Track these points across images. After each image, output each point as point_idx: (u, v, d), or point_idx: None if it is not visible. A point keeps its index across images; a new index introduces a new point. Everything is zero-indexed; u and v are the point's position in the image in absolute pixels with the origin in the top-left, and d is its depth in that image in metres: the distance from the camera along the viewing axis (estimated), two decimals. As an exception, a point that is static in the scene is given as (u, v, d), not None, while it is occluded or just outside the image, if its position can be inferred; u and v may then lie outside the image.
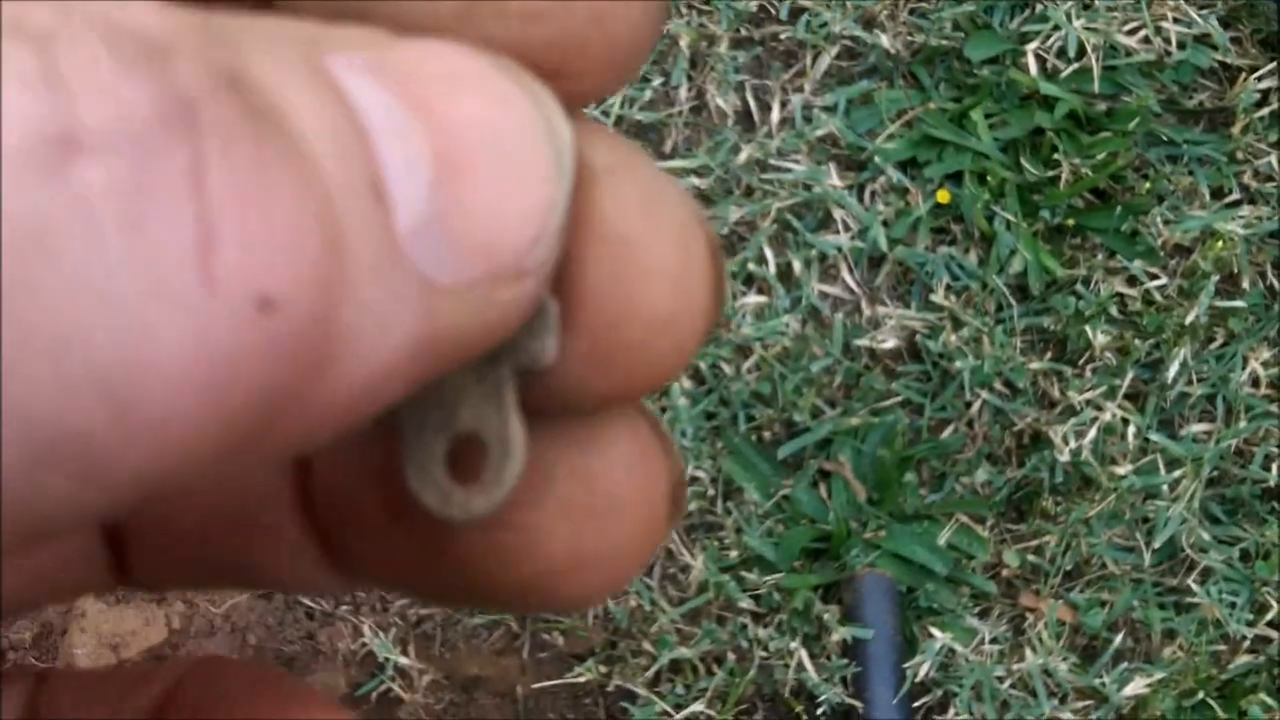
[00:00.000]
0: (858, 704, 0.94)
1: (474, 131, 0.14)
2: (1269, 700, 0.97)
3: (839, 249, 1.00)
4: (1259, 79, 1.03)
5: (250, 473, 0.16)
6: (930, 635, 0.96)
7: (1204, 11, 1.04)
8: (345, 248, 0.12)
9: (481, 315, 0.14)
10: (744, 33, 1.03)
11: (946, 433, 1.00)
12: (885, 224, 1.00)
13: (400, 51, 0.14)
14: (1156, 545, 0.99)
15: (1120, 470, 0.99)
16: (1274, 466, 1.01)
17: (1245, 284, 1.02)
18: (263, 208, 0.12)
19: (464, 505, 0.16)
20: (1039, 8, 1.03)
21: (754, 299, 0.99)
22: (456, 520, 0.16)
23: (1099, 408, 1.00)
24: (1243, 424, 1.01)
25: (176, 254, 0.11)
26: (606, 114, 0.99)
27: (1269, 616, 0.99)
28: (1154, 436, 1.00)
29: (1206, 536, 0.99)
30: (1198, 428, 1.01)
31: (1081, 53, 1.02)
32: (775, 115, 1.02)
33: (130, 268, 0.11)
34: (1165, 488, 1.00)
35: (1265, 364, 1.01)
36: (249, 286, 0.12)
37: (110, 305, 0.11)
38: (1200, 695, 0.97)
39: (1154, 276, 1.02)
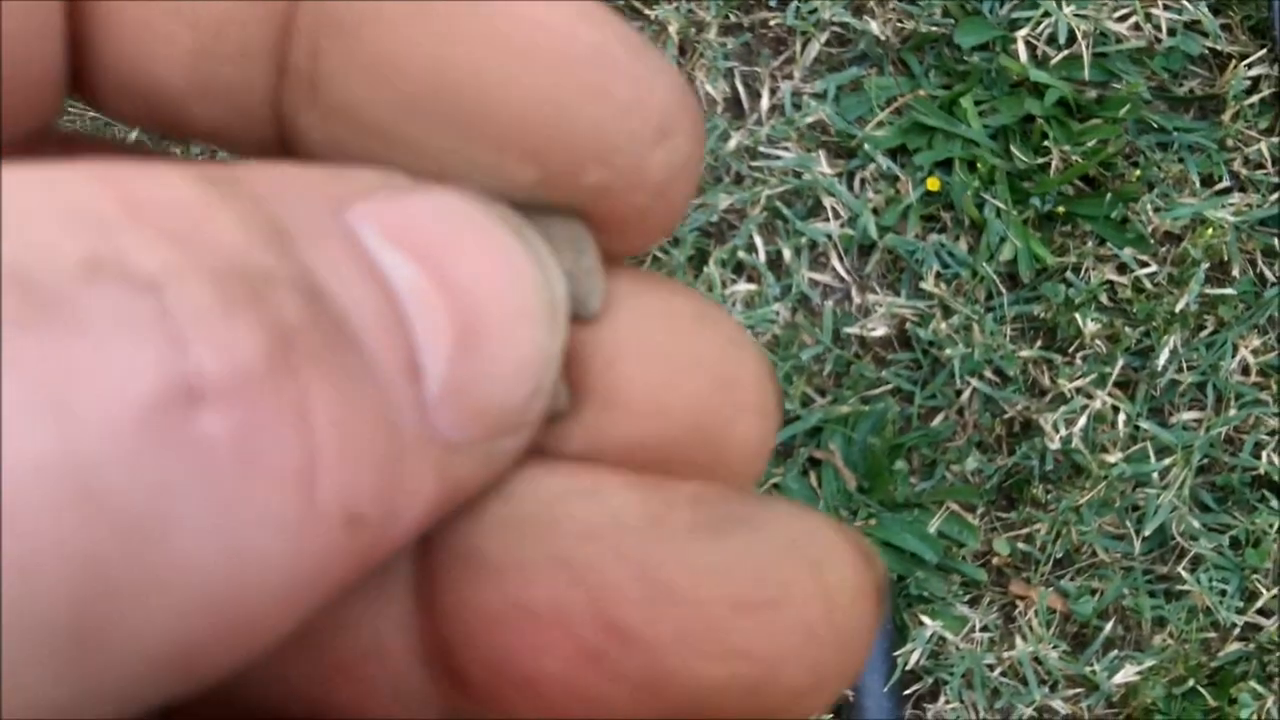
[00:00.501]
0: (848, 692, 0.93)
1: (483, 296, 0.14)
2: (1259, 688, 0.97)
3: (829, 237, 1.00)
4: (1249, 66, 1.03)
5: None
6: (921, 623, 0.96)
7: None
8: (403, 447, 0.13)
9: (485, 467, 0.15)
10: (733, 19, 1.02)
11: (937, 421, 0.99)
12: (875, 212, 1.00)
13: (415, 204, 0.15)
14: (1147, 533, 0.99)
15: (1110, 458, 0.99)
16: (1264, 454, 1.01)
17: (1235, 272, 1.02)
18: (353, 432, 0.12)
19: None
20: (1029, -6, 1.02)
21: (744, 287, 0.99)
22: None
23: (1089, 396, 0.99)
24: (1233, 412, 1.01)
25: (283, 487, 0.12)
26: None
27: (1259, 604, 0.99)
28: (1144, 424, 1.00)
29: (1197, 524, 0.99)
30: (1188, 415, 1.01)
31: (1072, 40, 1.02)
32: (765, 102, 1.02)
33: (244, 504, 0.12)
34: (1155, 476, 0.99)
35: (1255, 351, 1.01)
36: (343, 507, 0.12)
37: (225, 539, 0.12)
38: (1190, 683, 0.97)
39: (1144, 264, 1.01)
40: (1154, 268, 1.01)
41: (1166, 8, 1.03)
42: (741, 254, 0.99)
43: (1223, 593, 0.99)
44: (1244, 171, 1.03)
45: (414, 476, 0.13)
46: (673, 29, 1.01)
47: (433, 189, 0.15)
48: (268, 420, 0.12)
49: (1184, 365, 1.01)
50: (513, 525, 0.16)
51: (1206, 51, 1.04)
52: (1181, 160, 1.03)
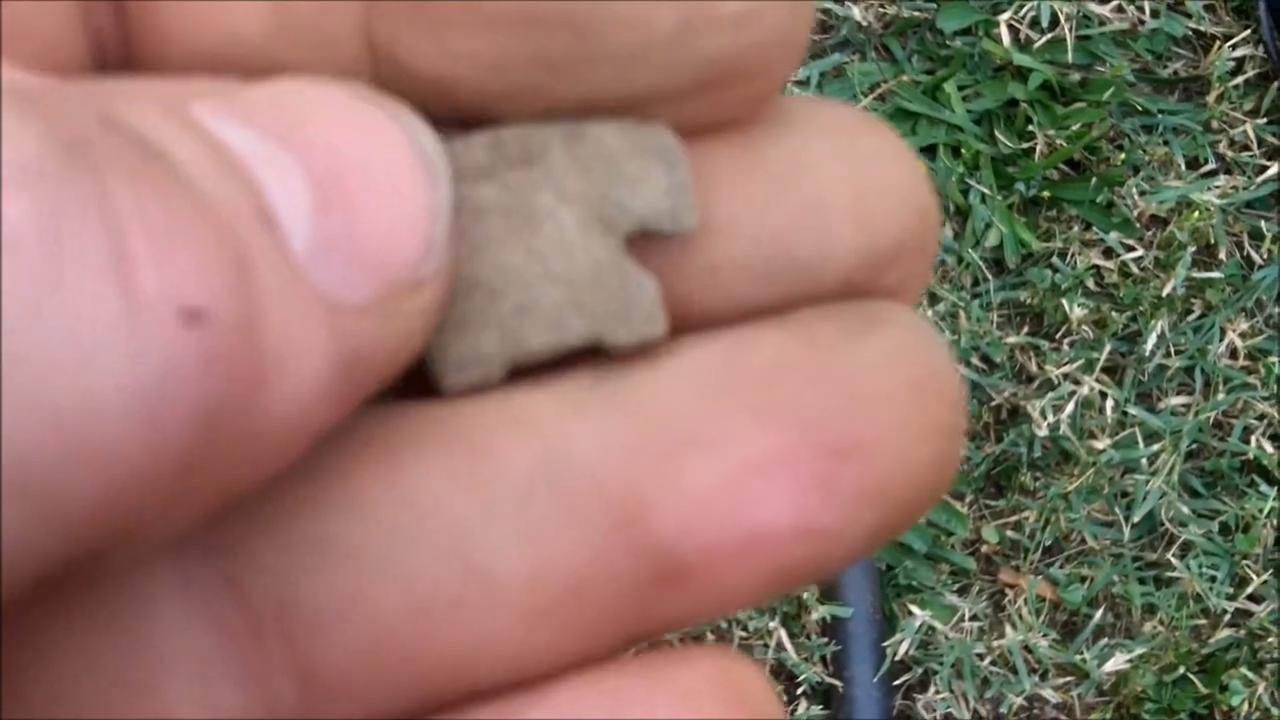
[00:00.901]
0: (838, 683, 0.93)
1: (342, 155, 0.14)
2: (1249, 674, 0.97)
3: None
4: (1233, 47, 1.02)
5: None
6: (910, 613, 0.95)
7: (1178, -20, 1.03)
8: (252, 267, 0.13)
9: (390, 329, 0.15)
10: (714, 6, 1.02)
11: (923, 409, 0.99)
12: (859, 198, 0.99)
13: (257, 93, 0.15)
14: (1136, 520, 0.98)
15: (1099, 445, 0.98)
16: (1253, 439, 1.00)
17: (1222, 255, 1.01)
18: (171, 229, 0.12)
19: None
20: (1012, -22, 1.02)
21: (727, 275, 0.98)
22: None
23: (1077, 382, 0.99)
24: (1221, 396, 1.00)
25: (96, 275, 0.12)
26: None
27: (1249, 590, 0.98)
28: (1132, 410, 0.99)
29: (1186, 510, 0.99)
30: (1176, 401, 1.00)
31: (1055, 23, 1.01)
32: (746, 89, 1.01)
33: (57, 293, 0.11)
34: (1144, 461, 0.99)
35: (1243, 335, 1.00)
36: (172, 299, 0.12)
37: (44, 332, 0.11)
38: (1181, 670, 0.96)
39: (1130, 248, 1.01)
40: (1140, 252, 1.01)
41: (1150, -10, 1.02)
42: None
43: (1213, 579, 0.98)
44: (1230, 154, 1.03)
45: (293, 324, 0.13)
46: (652, 16, 1.00)
47: (278, 78, 0.15)
48: (67, 209, 0.12)
49: (1172, 350, 1.00)
50: (697, 393, 0.17)
51: (1190, 33, 1.04)
52: (1166, 143, 1.02)
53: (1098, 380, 0.99)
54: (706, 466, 0.16)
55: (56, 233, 0.12)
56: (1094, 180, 1.00)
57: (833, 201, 0.17)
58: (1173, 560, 0.98)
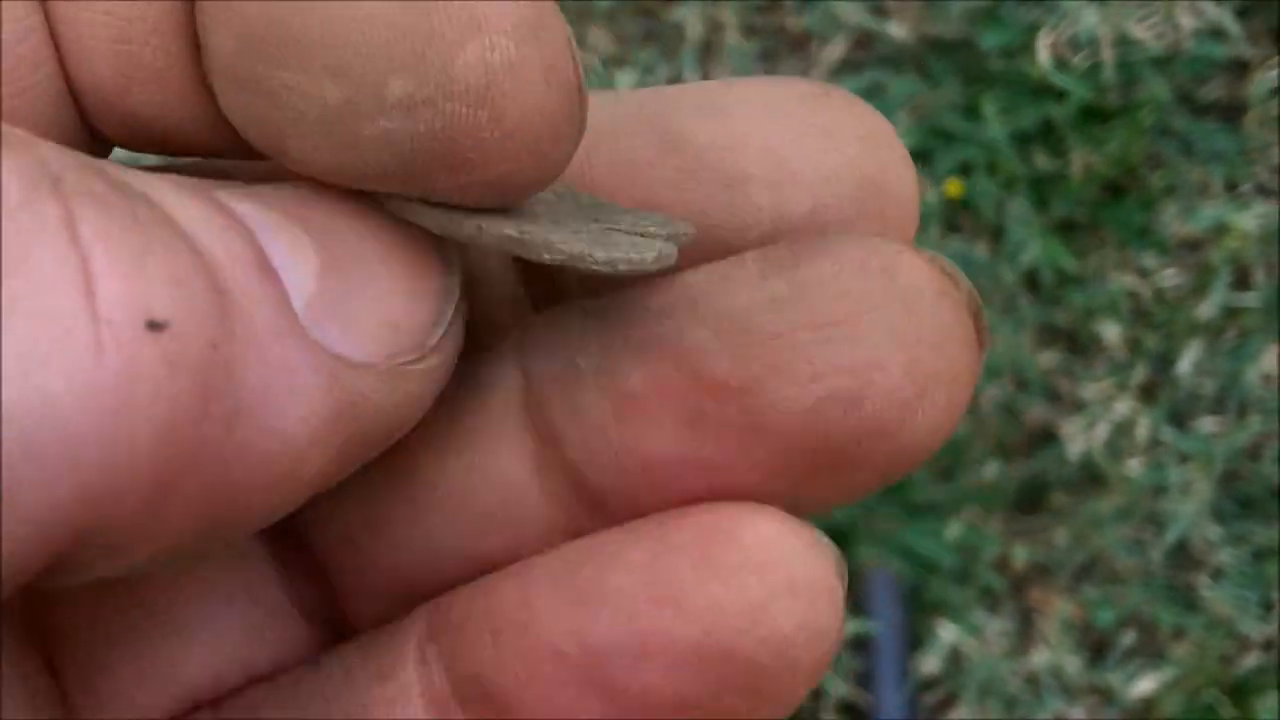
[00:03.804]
0: (865, 699, 0.92)
1: (354, 234, 0.15)
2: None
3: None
4: (1272, 72, 1.02)
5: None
6: (937, 631, 0.95)
7: (1218, 2, 1.03)
8: (233, 297, 0.14)
9: (393, 390, 0.15)
10: (753, 22, 1.02)
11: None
12: (895, 215, 0.99)
13: (277, 188, 0.16)
14: (1167, 543, 0.98)
15: (1131, 466, 0.98)
16: (1285, 464, 1.00)
17: (1258, 279, 1.01)
18: (137, 249, 0.13)
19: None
20: (1051, 0, 1.02)
21: (761, 290, 0.98)
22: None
23: (1110, 403, 0.98)
24: (1254, 421, 1.00)
25: (60, 287, 0.12)
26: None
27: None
28: (1165, 433, 0.99)
29: (1217, 535, 0.98)
30: (1209, 424, 1.00)
31: (1094, 44, 1.01)
32: (784, 105, 1.01)
33: (19, 305, 0.12)
34: (1176, 485, 0.98)
35: (1278, 360, 1.00)
36: (135, 309, 0.12)
37: (10, 339, 0.12)
38: (1210, 694, 0.96)
39: (1166, 271, 1.01)
40: (1176, 274, 1.00)
41: (1190, 13, 1.02)
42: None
43: (1243, 604, 0.98)
44: (1267, 178, 1.02)
45: (288, 366, 0.14)
46: (692, 31, 1.01)
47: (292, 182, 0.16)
48: (35, 233, 0.12)
49: (1205, 373, 1.00)
50: (591, 325, 0.18)
51: (1230, 58, 1.04)
52: (1204, 166, 1.02)
53: (1131, 402, 0.99)
54: (594, 396, 0.17)
55: (24, 251, 0.12)
56: (1130, 202, 1.00)
57: (749, 173, 0.18)
58: (1203, 584, 0.98)
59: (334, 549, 0.19)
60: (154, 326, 0.12)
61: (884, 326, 0.16)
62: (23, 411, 0.12)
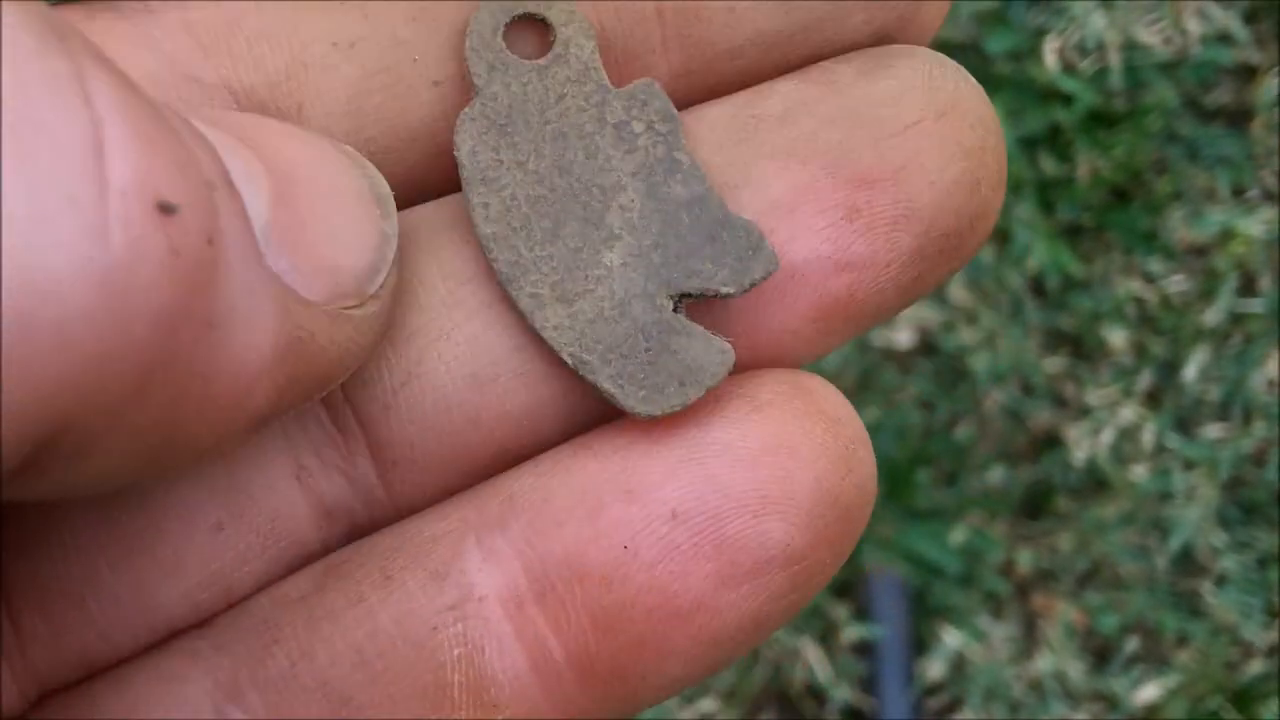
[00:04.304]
0: (869, 703, 0.92)
1: (299, 167, 0.15)
2: (1282, 708, 0.96)
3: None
4: (1279, 77, 1.02)
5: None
6: (941, 636, 0.95)
7: (1225, 7, 1.03)
8: (219, 195, 0.13)
9: (336, 331, 0.15)
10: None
11: (959, 431, 0.99)
12: (901, 219, 0.99)
13: (233, 115, 0.16)
14: (1171, 549, 0.98)
15: (1136, 472, 0.98)
16: (1290, 471, 0.99)
17: (1264, 285, 1.01)
18: (153, 129, 0.12)
19: None
20: (1058, 3, 1.02)
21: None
22: None
23: (1115, 409, 0.98)
24: (1259, 427, 0.99)
25: (69, 156, 0.11)
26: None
27: (1283, 622, 0.98)
28: (1170, 439, 0.99)
29: (1221, 541, 0.98)
30: (1214, 430, 1.00)
31: (1101, 48, 1.01)
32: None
33: (32, 171, 0.11)
34: (1181, 491, 0.98)
35: (1283, 366, 1.00)
36: (146, 190, 0.12)
37: (21, 206, 0.11)
38: (1214, 701, 0.95)
39: (1172, 276, 1.00)
40: (1182, 280, 1.00)
41: (1197, 17, 1.02)
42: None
43: (1247, 610, 0.97)
44: (1273, 184, 1.02)
45: (247, 289, 0.14)
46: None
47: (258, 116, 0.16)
48: (40, 85, 0.11)
49: (1211, 379, 1.00)
50: (715, 142, 0.18)
51: (1237, 63, 1.03)
52: (1210, 172, 1.02)
53: (1136, 408, 0.99)
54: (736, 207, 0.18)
55: (32, 107, 0.11)
56: (1137, 207, 1.00)
57: None
58: (1207, 590, 0.98)
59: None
60: (165, 209, 0.12)
61: (975, 116, 0.18)
62: (19, 284, 0.11)
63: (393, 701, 0.17)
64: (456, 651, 0.17)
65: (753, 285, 0.18)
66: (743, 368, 0.18)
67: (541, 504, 0.17)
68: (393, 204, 0.16)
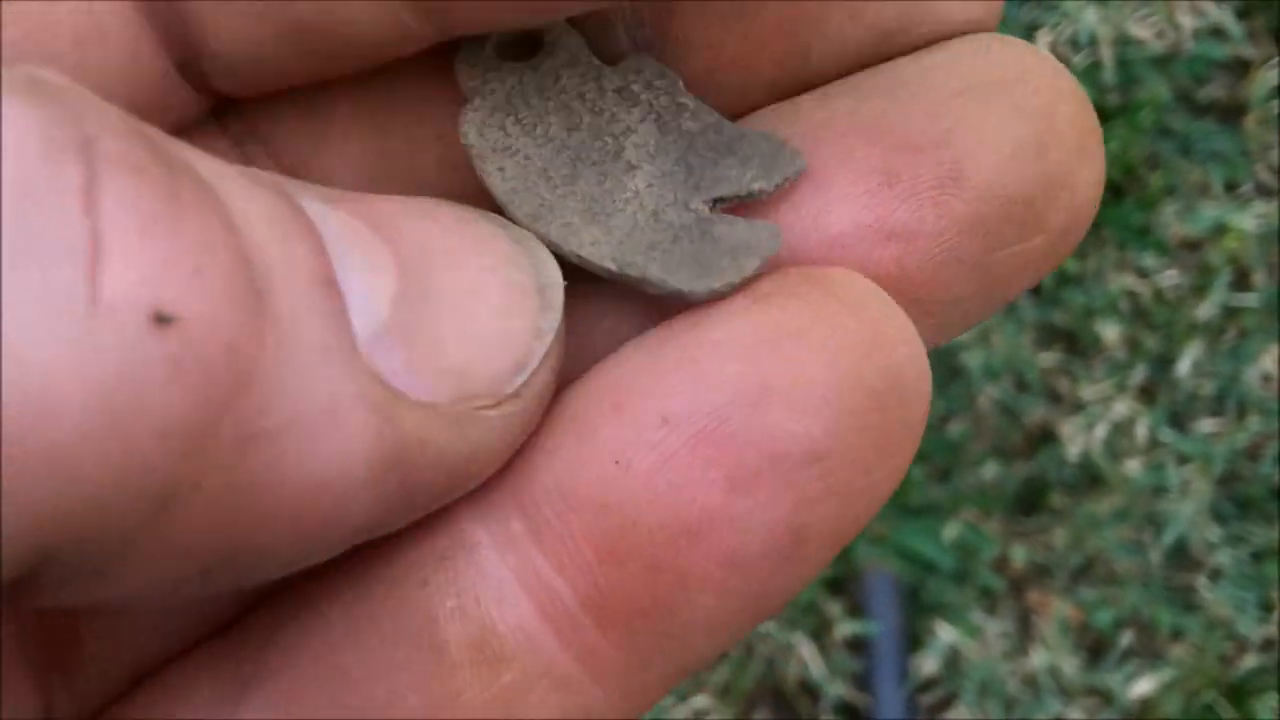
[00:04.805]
0: (863, 700, 0.92)
1: (442, 257, 0.14)
2: (1278, 701, 0.96)
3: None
4: (1273, 71, 1.02)
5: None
6: (936, 632, 0.95)
7: (1219, 1, 1.02)
8: (275, 303, 0.12)
9: (462, 435, 0.14)
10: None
11: (953, 427, 0.98)
12: (894, 215, 0.99)
13: (367, 197, 0.14)
14: (1165, 544, 0.98)
15: (1130, 467, 0.98)
16: (1285, 465, 0.99)
17: (1258, 280, 1.01)
18: (167, 232, 0.11)
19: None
20: (1051, -2, 1.01)
21: (760, 290, 0.98)
22: None
23: (1109, 404, 0.98)
24: (1254, 421, 0.99)
25: (63, 265, 0.11)
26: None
27: (1278, 617, 0.97)
28: (1164, 433, 0.99)
29: (1216, 535, 0.98)
30: (1208, 425, 1.00)
31: (1093, 43, 1.01)
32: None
33: (18, 285, 0.10)
34: (1175, 486, 0.98)
35: (1277, 361, 1.00)
36: (140, 297, 0.11)
37: (10, 315, 0.10)
38: (1209, 696, 0.95)
39: (1165, 271, 1.00)
40: (1175, 275, 1.00)
41: (1190, 13, 1.02)
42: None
43: (1242, 605, 0.97)
44: (1266, 178, 1.02)
45: (329, 386, 0.12)
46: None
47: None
48: (42, 195, 0.11)
49: (1205, 374, 1.00)
50: (761, 121, 0.17)
51: (1230, 57, 1.03)
52: (1204, 167, 1.02)
53: (1130, 403, 0.99)
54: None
55: (31, 217, 0.11)
56: (1130, 203, 1.00)
57: None
58: (1202, 585, 0.98)
59: None
60: (161, 320, 0.11)
61: (1039, 83, 0.17)
62: (16, 398, 0.10)
63: (390, 668, 0.15)
64: (450, 604, 0.15)
65: (785, 181, 0.17)
66: None
67: (532, 438, 0.16)
68: (559, 294, 0.15)
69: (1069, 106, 0.17)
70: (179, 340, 0.11)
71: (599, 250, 0.16)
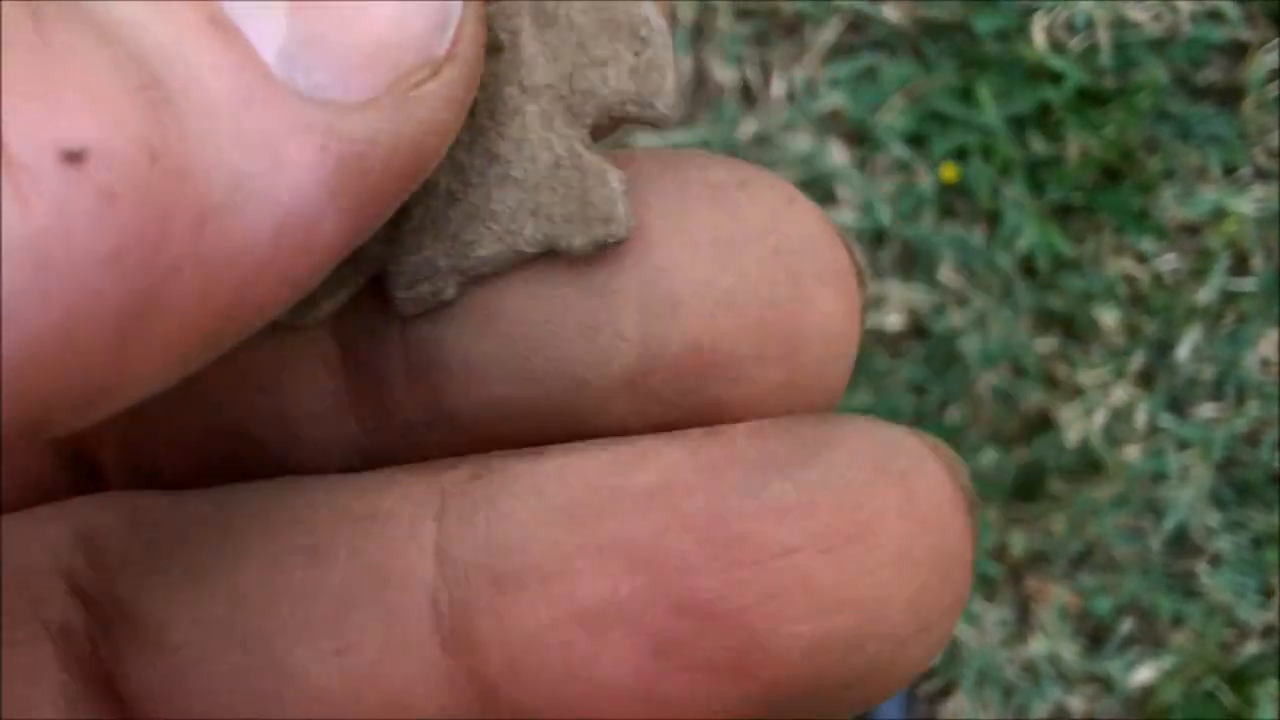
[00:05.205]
0: (860, 689, 0.92)
1: None
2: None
3: (843, 226, 0.98)
4: (1270, 54, 1.01)
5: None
6: (934, 620, 0.94)
7: (1215, -15, 1.02)
8: (174, 84, 0.11)
9: (408, 119, 0.13)
10: (746, 4, 1.01)
11: (951, 414, 0.98)
12: (889, 201, 0.98)
13: None
14: (1165, 530, 0.97)
15: (1129, 453, 0.97)
16: (1285, 450, 0.99)
17: (1256, 264, 1.00)
18: (44, 73, 0.11)
19: None
20: (1047, -19, 1.01)
21: (755, 276, 0.97)
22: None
23: (1107, 390, 0.98)
24: (1253, 406, 0.99)
25: None
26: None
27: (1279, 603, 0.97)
28: (1163, 419, 0.98)
29: (1216, 521, 0.98)
30: (1208, 411, 0.99)
31: (1090, 26, 1.00)
32: (778, 89, 1.00)
33: None
34: (1174, 472, 0.98)
35: (1276, 346, 0.99)
36: (43, 142, 0.11)
37: None
38: (1210, 683, 0.95)
39: (1163, 256, 1.00)
40: (1173, 259, 1.00)
41: (1187, -5, 1.01)
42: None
43: (1242, 591, 0.97)
44: (1265, 162, 1.01)
45: (263, 134, 0.12)
46: (685, 14, 0.99)
47: None
48: None
49: (1204, 359, 0.99)
50: (549, 518, 0.15)
51: (1228, 40, 1.03)
52: (1202, 150, 1.01)
53: (1129, 388, 0.98)
54: (534, 605, 0.14)
55: None
56: (1128, 187, 0.99)
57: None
58: (1202, 571, 0.97)
59: None
60: (72, 158, 0.11)
61: (896, 549, 0.14)
62: None
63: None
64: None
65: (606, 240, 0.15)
66: None
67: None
68: None
69: (913, 587, 0.14)
70: (99, 169, 0.11)
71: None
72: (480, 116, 0.16)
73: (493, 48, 0.16)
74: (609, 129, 0.16)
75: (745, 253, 0.15)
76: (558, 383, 0.15)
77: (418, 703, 0.15)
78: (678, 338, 0.15)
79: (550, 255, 0.16)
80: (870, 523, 0.14)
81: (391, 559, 0.15)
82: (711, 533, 0.14)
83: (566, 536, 0.14)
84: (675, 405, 0.15)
